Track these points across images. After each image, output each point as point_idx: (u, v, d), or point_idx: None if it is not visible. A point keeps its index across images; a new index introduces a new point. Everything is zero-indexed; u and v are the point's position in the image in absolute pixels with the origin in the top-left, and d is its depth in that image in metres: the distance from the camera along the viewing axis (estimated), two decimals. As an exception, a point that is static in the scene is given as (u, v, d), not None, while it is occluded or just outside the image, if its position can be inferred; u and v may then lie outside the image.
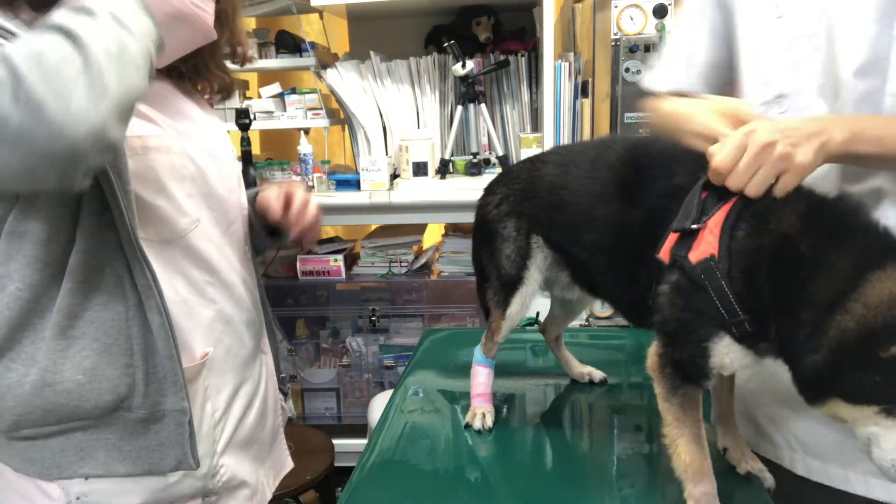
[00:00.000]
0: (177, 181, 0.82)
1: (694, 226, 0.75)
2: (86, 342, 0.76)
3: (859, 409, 0.67)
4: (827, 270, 0.67)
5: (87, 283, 0.75)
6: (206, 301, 0.86)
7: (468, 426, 1.05)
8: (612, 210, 0.87)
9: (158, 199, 0.80)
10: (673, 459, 0.80)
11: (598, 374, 1.20)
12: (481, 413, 1.06)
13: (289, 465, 1.10)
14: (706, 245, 0.74)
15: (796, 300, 0.69)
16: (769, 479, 0.89)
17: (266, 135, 2.81)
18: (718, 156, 0.73)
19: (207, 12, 0.78)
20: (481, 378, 1.10)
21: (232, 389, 0.91)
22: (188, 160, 0.83)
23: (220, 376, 0.88)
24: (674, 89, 0.98)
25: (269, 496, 1.01)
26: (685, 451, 0.79)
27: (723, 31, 0.97)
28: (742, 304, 0.72)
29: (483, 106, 2.01)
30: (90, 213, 0.74)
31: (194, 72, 0.91)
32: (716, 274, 0.72)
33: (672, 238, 0.77)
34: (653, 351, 0.82)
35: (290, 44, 2.24)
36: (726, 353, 0.76)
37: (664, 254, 0.78)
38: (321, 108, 2.16)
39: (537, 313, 1.99)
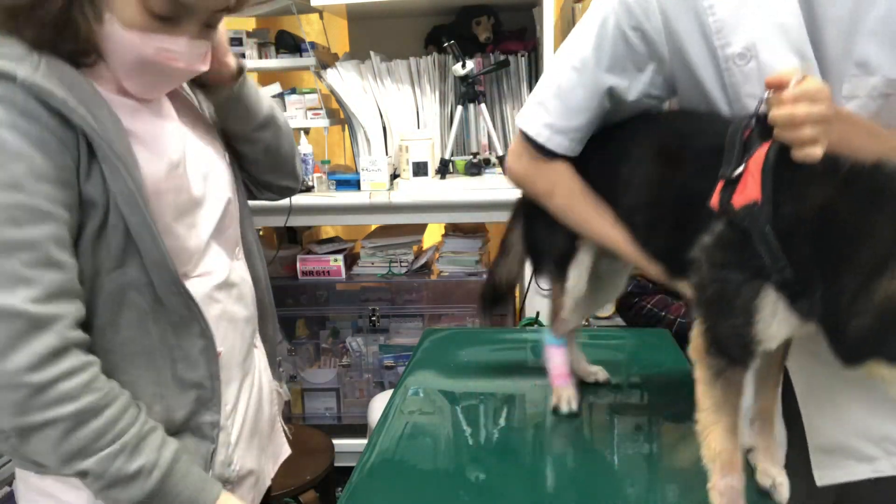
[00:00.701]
0: (180, 217, 0.83)
1: (737, 171, 0.74)
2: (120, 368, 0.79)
3: None
4: (870, 233, 0.67)
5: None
6: (212, 302, 0.87)
7: (556, 410, 1.07)
8: (660, 170, 0.88)
9: (167, 239, 0.80)
10: (703, 447, 0.78)
11: (603, 375, 1.20)
12: (566, 396, 1.07)
13: (286, 450, 1.09)
14: (749, 190, 0.73)
15: (839, 260, 0.68)
16: (784, 495, 0.87)
17: (266, 135, 2.80)
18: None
19: (176, 53, 0.76)
20: (557, 359, 1.10)
21: (238, 384, 0.92)
22: (188, 195, 0.84)
23: (228, 371, 0.90)
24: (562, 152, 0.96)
25: (268, 482, 1.01)
26: (718, 440, 0.76)
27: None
28: (786, 252, 0.70)
29: (483, 106, 2.01)
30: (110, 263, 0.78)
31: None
32: (758, 219, 0.71)
33: (720, 185, 0.76)
34: (696, 332, 0.79)
35: (290, 44, 2.24)
36: (771, 314, 0.73)
37: (714, 201, 0.77)
38: (321, 108, 2.16)
39: (537, 313, 1.99)
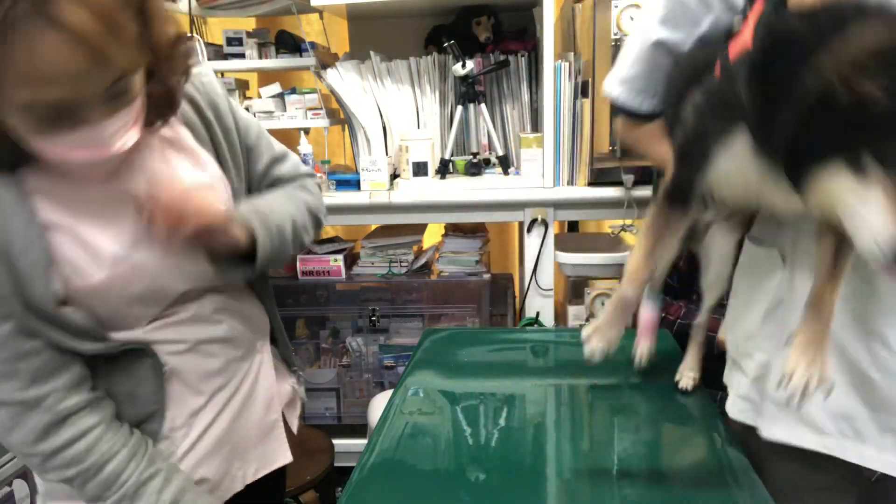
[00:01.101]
0: (133, 304, 0.86)
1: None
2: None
3: (835, 179, 0.65)
4: (816, 51, 0.65)
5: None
6: (170, 328, 0.91)
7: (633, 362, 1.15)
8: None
9: (130, 310, 0.86)
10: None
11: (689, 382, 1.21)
12: (640, 350, 1.16)
13: (284, 457, 1.09)
14: (744, 40, 0.74)
15: (789, 88, 0.67)
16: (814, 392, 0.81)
17: (266, 135, 2.81)
18: None
19: (80, 147, 0.71)
20: (645, 314, 1.20)
21: (204, 398, 0.95)
22: (144, 284, 0.85)
23: (185, 386, 0.93)
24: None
25: (237, 487, 1.01)
26: (634, 257, 0.88)
27: None
28: (762, 100, 0.71)
29: (483, 106, 2.01)
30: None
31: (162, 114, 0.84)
32: (746, 62, 0.73)
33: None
34: (661, 188, 0.86)
35: (290, 44, 2.23)
36: (731, 159, 0.75)
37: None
38: (321, 108, 2.16)
39: (537, 313, 1.99)
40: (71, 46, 0.62)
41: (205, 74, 0.94)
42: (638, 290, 0.89)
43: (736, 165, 0.76)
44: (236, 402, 0.99)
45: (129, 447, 0.85)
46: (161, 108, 0.82)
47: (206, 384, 0.96)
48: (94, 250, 0.80)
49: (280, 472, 1.11)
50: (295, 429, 1.13)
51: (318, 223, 1.06)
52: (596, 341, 0.91)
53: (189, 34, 2.01)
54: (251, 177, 1.00)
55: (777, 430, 0.91)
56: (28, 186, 0.77)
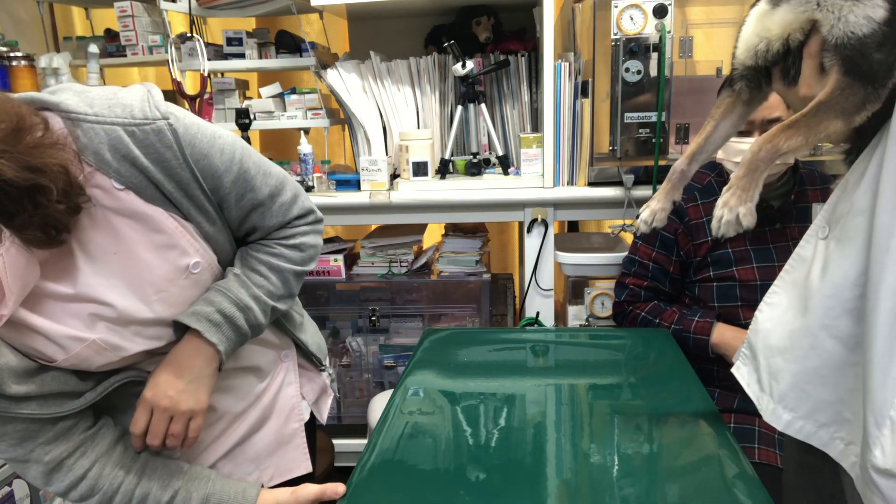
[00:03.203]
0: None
1: None
2: None
3: None
4: None
5: None
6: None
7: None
8: None
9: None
10: None
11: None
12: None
13: (302, 467, 1.11)
14: None
15: None
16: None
17: (266, 135, 2.82)
18: None
19: None
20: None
21: (214, 417, 0.99)
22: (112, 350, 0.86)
23: None
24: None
25: None
26: (694, 140, 0.96)
27: None
28: None
29: (483, 106, 2.01)
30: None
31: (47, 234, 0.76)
32: None
33: None
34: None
35: (290, 44, 2.23)
36: (750, 20, 0.83)
37: None
38: (321, 108, 2.16)
39: (537, 313, 1.99)
40: None
41: (150, 122, 0.81)
42: (691, 164, 0.96)
43: (750, 20, 0.84)
44: (254, 414, 1.01)
45: (133, 473, 0.89)
46: (53, 229, 0.75)
47: (218, 402, 0.97)
48: (49, 336, 0.80)
49: (304, 480, 1.10)
50: (324, 420, 1.17)
51: (300, 275, 1.01)
52: (646, 212, 1.01)
53: (189, 34, 2.01)
54: (229, 220, 0.94)
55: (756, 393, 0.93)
56: None
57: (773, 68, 0.85)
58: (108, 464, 0.88)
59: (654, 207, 1.00)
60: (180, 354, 0.88)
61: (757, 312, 0.96)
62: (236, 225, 0.94)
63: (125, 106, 0.80)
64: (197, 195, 0.86)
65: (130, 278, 0.82)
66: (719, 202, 0.83)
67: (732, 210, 0.81)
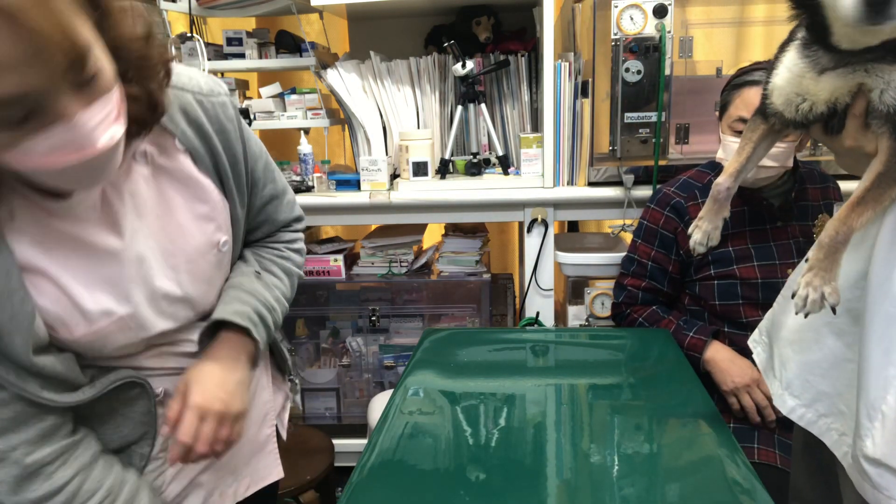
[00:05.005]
0: (118, 350, 0.84)
1: None
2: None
3: None
4: None
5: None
6: (157, 357, 0.91)
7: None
8: None
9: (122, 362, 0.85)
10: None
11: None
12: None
13: (275, 473, 1.08)
14: None
15: None
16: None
17: (266, 135, 2.81)
18: None
19: (60, 148, 0.63)
20: None
21: None
22: (128, 335, 0.82)
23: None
24: None
25: (226, 502, 1.00)
26: (734, 158, 0.99)
27: None
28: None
29: (483, 106, 2.01)
30: None
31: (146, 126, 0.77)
32: None
33: None
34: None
35: (290, 44, 2.23)
36: (783, 68, 0.85)
37: None
38: (321, 108, 2.16)
39: (537, 313, 1.99)
40: (6, 29, 0.55)
41: (216, 95, 0.86)
42: (732, 181, 0.99)
43: (786, 73, 0.85)
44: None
45: (103, 489, 0.81)
46: (142, 114, 0.74)
47: None
48: (78, 304, 0.76)
49: (272, 487, 1.10)
50: (285, 435, 1.12)
51: (299, 279, 1.07)
52: (698, 234, 1.03)
53: (189, 34, 2.01)
54: (249, 207, 0.96)
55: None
56: (7, 227, 0.71)
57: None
58: (86, 480, 0.80)
59: (706, 228, 1.03)
60: (225, 356, 0.87)
61: (774, 303, 1.05)
62: (254, 213, 0.98)
63: (192, 77, 0.85)
64: (242, 173, 0.90)
65: (167, 243, 0.83)
66: (801, 281, 0.83)
67: (817, 289, 0.82)
